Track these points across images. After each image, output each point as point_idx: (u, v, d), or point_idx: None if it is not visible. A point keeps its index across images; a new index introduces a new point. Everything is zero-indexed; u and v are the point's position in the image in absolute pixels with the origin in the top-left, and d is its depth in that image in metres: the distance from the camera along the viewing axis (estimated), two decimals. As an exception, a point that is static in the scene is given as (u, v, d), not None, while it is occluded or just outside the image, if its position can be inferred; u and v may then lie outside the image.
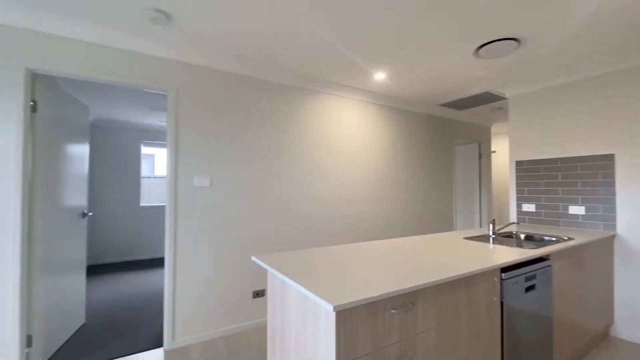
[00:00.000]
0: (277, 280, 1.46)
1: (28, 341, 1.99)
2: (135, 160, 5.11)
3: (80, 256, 2.64)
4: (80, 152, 2.63)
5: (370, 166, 3.54)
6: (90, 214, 2.75)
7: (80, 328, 2.67)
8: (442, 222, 4.22)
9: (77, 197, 2.57)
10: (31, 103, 1.98)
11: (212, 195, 2.58)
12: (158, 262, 4.94)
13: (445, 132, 4.32)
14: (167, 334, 2.36)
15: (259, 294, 2.80)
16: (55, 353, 2.28)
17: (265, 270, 2.81)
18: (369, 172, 3.53)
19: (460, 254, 1.72)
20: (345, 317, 1.06)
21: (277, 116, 2.91)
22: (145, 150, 5.78)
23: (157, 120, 4.60)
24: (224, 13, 1.92)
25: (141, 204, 5.13)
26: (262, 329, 2.68)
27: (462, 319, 1.42)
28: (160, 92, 2.42)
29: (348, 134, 3.38)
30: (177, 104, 2.43)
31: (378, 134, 3.62)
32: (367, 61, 2.61)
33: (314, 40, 2.26)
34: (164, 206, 5.37)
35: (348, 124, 3.39)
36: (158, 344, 2.44)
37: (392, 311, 1.17)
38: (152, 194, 6.32)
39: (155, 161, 7.37)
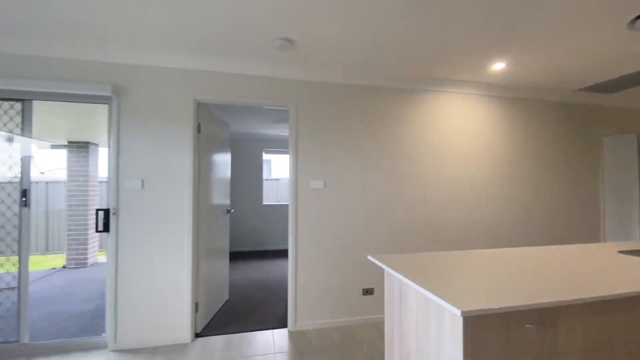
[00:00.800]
0: (395, 281, 1.53)
1: (196, 307, 2.61)
2: (258, 165, 6.00)
3: (225, 245, 3.28)
4: (224, 160, 3.27)
5: (489, 166, 3.24)
6: (232, 210, 3.40)
7: (225, 303, 3.32)
8: (583, 231, 3.50)
9: (223, 196, 3.21)
10: (197, 125, 2.60)
11: (326, 197, 2.83)
12: (279, 253, 5.67)
13: (587, 122, 3.57)
14: (290, 317, 2.72)
15: (368, 291, 2.92)
16: (210, 320, 2.90)
17: (374, 270, 2.92)
18: (486, 173, 3.23)
19: (616, 269, 1.44)
20: (474, 324, 1.06)
21: (386, 119, 2.98)
22: (264, 156, 6.69)
23: (278, 131, 5.29)
24: (337, 34, 2.11)
25: (263, 203, 5.98)
26: (370, 326, 2.80)
27: (618, 348, 1.20)
28: (282, 108, 2.81)
29: (462, 132, 3.18)
30: (297, 117, 2.78)
31: (497, 130, 3.27)
32: (484, 50, 2.42)
33: (420, 38, 2.25)
34: (280, 205, 6.12)
35: (462, 120, 3.18)
36: (283, 324, 2.83)
37: (528, 326, 1.10)
38: (269, 194, 7.24)
39: (272, 166, 8.43)
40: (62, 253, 5.29)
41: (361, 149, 2.92)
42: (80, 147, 4.90)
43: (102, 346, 2.42)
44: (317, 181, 2.82)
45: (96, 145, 5.05)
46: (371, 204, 2.94)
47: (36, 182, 5.71)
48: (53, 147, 5.03)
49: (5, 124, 2.31)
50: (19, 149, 2.38)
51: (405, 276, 1.37)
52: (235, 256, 5.47)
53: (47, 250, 5.81)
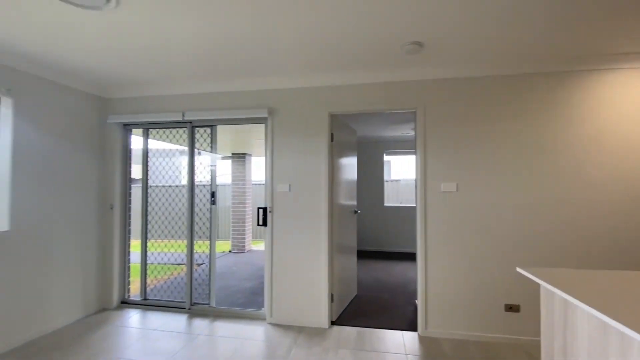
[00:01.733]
0: (557, 300, 1.34)
1: (331, 298, 2.91)
2: (379, 167, 6.11)
3: (353, 243, 3.52)
4: (352, 164, 3.51)
5: (700, 161, 2.36)
6: (359, 211, 3.62)
7: (354, 298, 3.56)
8: None
9: (351, 198, 3.45)
10: (331, 134, 2.90)
11: (459, 201, 2.67)
12: (401, 256, 5.63)
13: None
14: (420, 321, 2.69)
15: (512, 308, 2.58)
16: (343, 311, 3.17)
17: (520, 284, 2.56)
18: (697, 170, 2.36)
19: None
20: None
21: (533, 109, 2.58)
22: (385, 158, 6.75)
23: (400, 132, 5.27)
24: (470, 30, 1.98)
25: (384, 204, 6.05)
26: (517, 348, 2.46)
27: None
28: (409, 111, 2.81)
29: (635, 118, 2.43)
30: (424, 118, 2.73)
31: None
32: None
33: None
34: (402, 206, 6.05)
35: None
36: (412, 327, 2.82)
37: None
38: (390, 196, 7.25)
39: (392, 167, 8.41)
40: (228, 240, 6.74)
41: (503, 145, 2.62)
42: (239, 157, 6.17)
43: (261, 318, 3.00)
44: (449, 183, 2.69)
45: (250, 155, 6.24)
46: (513, 209, 2.59)
47: (204, 185, 7.48)
48: (222, 158, 6.49)
49: (201, 144, 3.19)
50: (209, 161, 3.23)
51: (574, 296, 1.18)
52: (359, 255, 5.73)
53: (217, 237, 7.53)
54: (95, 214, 3.19)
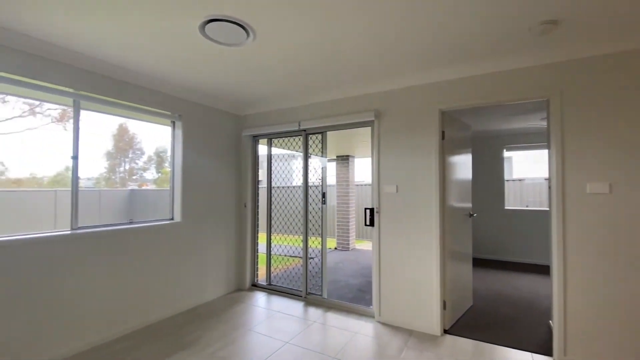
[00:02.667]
0: None
1: (444, 305, 2.77)
2: (498, 164, 5.41)
3: (468, 250, 3.25)
4: (466, 163, 3.25)
5: None
6: (475, 215, 3.31)
7: (469, 308, 3.27)
8: None
9: (465, 200, 3.19)
10: (442, 132, 2.77)
11: (612, 205, 2.16)
12: (525, 267, 4.86)
13: None
14: (557, 345, 2.29)
15: None
16: (457, 321, 2.96)
17: None
18: None
19: None
20: None
21: None
22: (505, 154, 5.92)
23: (524, 124, 4.58)
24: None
25: (505, 207, 5.32)
26: None
27: None
28: (539, 100, 2.43)
29: None
30: (561, 106, 2.32)
31: None
32: None
33: None
34: (527, 210, 5.20)
35: None
36: (544, 350, 2.42)
37: None
38: (511, 197, 6.32)
39: (513, 164, 7.30)
40: (333, 238, 7.12)
41: (683, 135, 1.99)
42: (343, 159, 6.45)
43: (370, 315, 3.09)
44: (598, 184, 2.20)
45: (353, 157, 6.46)
46: None
47: (315, 186, 8.04)
48: (328, 161, 6.92)
49: (313, 149, 3.51)
50: (319, 164, 3.52)
51: None
52: (475, 263, 5.20)
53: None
54: (234, 211, 3.90)
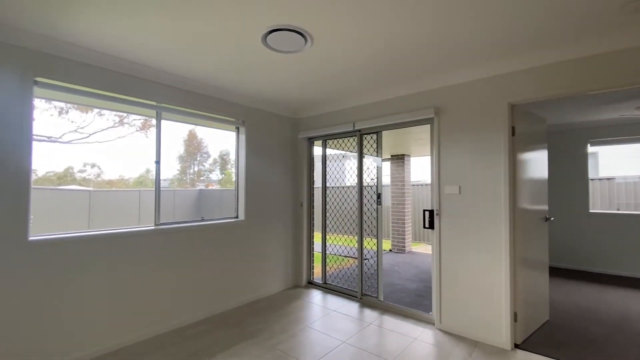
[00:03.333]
0: None
1: (514, 317, 2.53)
2: (580, 161, 4.77)
3: (544, 257, 2.92)
4: (540, 161, 2.92)
5: None
6: (552, 219, 2.96)
7: (545, 323, 2.94)
8: None
9: (540, 202, 2.88)
10: (511, 127, 2.54)
11: None
12: (617, 280, 4.20)
13: None
14: (663, 376, 1.94)
15: None
16: (530, 336, 2.68)
17: None
18: None
19: None
20: None
21: None
22: (589, 149, 5.18)
23: (613, 114, 3.96)
24: None
25: (590, 210, 4.65)
26: None
27: None
28: (632, 87, 2.08)
29: None
30: (667, 94, 1.96)
31: None
32: None
33: None
34: (619, 214, 4.48)
35: None
36: (647, 381, 2.07)
37: None
38: (597, 199, 5.51)
39: (599, 160, 6.35)
40: (388, 240, 6.97)
41: None
42: (398, 159, 6.27)
43: (429, 321, 2.96)
44: None
45: (409, 156, 6.24)
46: None
47: (370, 187, 7.94)
48: (383, 160, 6.79)
49: (367, 149, 3.48)
50: (374, 164, 3.48)
51: None
52: (552, 272, 4.64)
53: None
54: (291, 211, 4.05)
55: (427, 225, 2.92)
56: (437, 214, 2.85)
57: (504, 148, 2.52)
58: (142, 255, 2.66)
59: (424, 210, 2.96)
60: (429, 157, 2.97)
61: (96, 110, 4.34)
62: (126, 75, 2.58)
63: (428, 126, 3.00)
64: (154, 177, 2.83)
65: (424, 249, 6.61)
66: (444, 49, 2.29)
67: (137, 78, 2.64)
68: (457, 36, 2.10)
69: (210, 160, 6.66)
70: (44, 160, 4.26)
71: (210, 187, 6.34)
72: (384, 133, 3.49)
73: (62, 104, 4.08)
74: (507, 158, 2.51)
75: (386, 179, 6.97)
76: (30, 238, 2.13)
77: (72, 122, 4.40)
